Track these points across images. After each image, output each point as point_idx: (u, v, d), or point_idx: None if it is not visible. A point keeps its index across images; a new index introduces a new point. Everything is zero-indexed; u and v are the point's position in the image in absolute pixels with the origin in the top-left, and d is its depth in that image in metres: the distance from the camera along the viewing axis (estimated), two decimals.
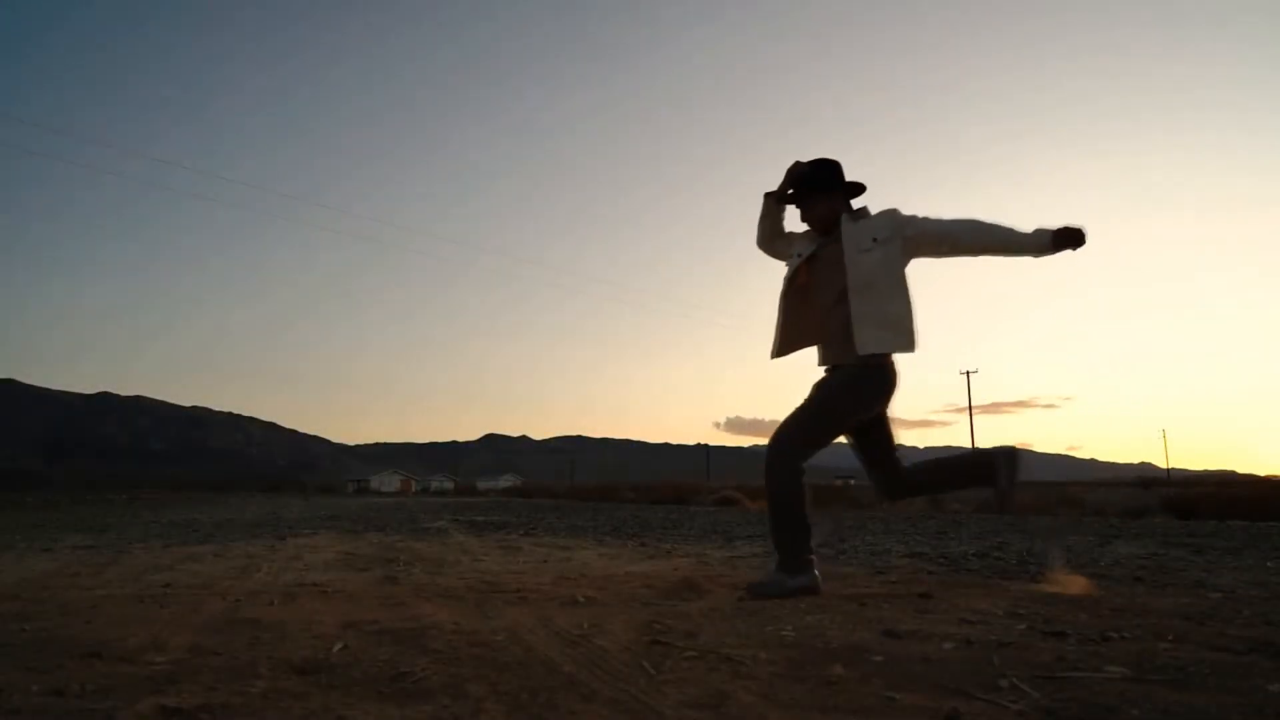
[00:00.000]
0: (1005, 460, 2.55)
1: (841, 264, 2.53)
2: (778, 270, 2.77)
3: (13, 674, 1.42)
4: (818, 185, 2.64)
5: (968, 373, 50.40)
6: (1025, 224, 2.46)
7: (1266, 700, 1.24)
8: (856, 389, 2.50)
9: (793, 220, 2.80)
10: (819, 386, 2.55)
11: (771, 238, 2.81)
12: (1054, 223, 2.42)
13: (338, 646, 1.62)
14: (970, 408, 50.11)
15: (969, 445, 50.59)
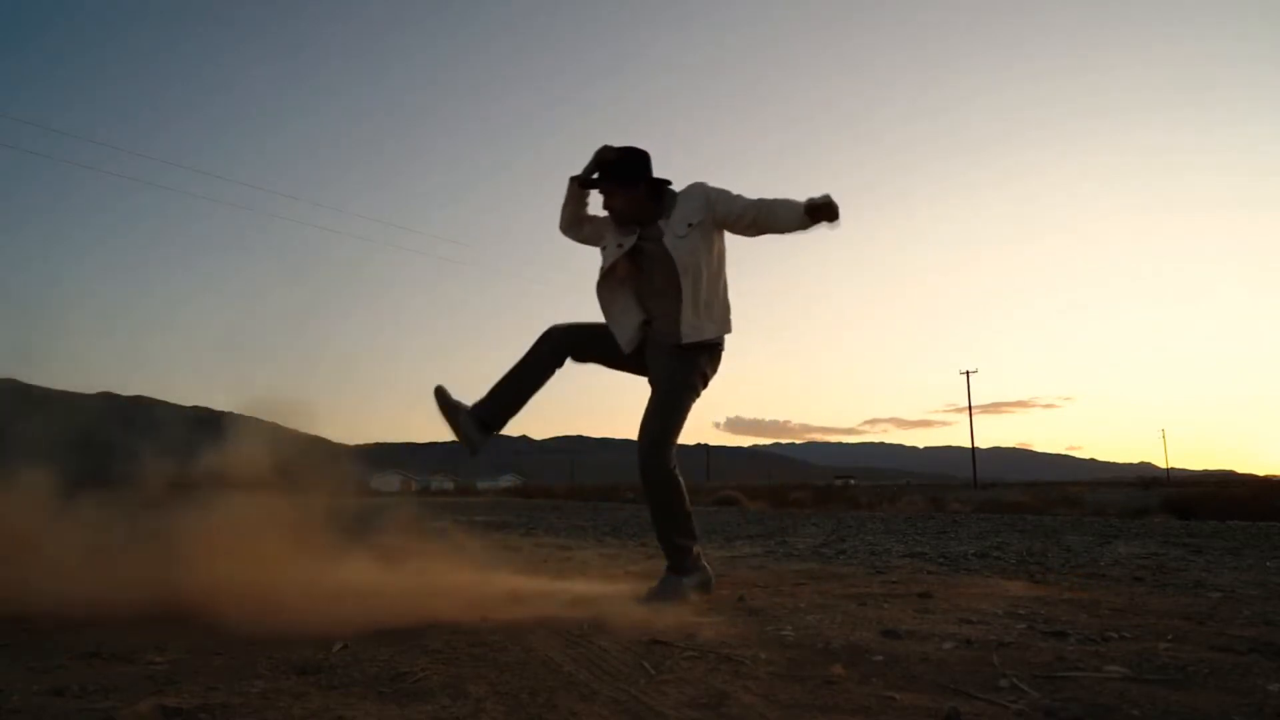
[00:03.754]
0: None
1: (665, 254, 2.50)
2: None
3: (13, 674, 1.42)
4: (618, 177, 2.57)
5: (968, 373, 50.47)
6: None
7: (1266, 700, 1.25)
8: (700, 371, 2.51)
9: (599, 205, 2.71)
10: (665, 375, 2.51)
11: (575, 223, 2.74)
12: (837, 199, 2.40)
13: (338, 646, 1.63)
14: (970, 408, 50.18)
15: (969, 445, 50.65)
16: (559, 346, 2.59)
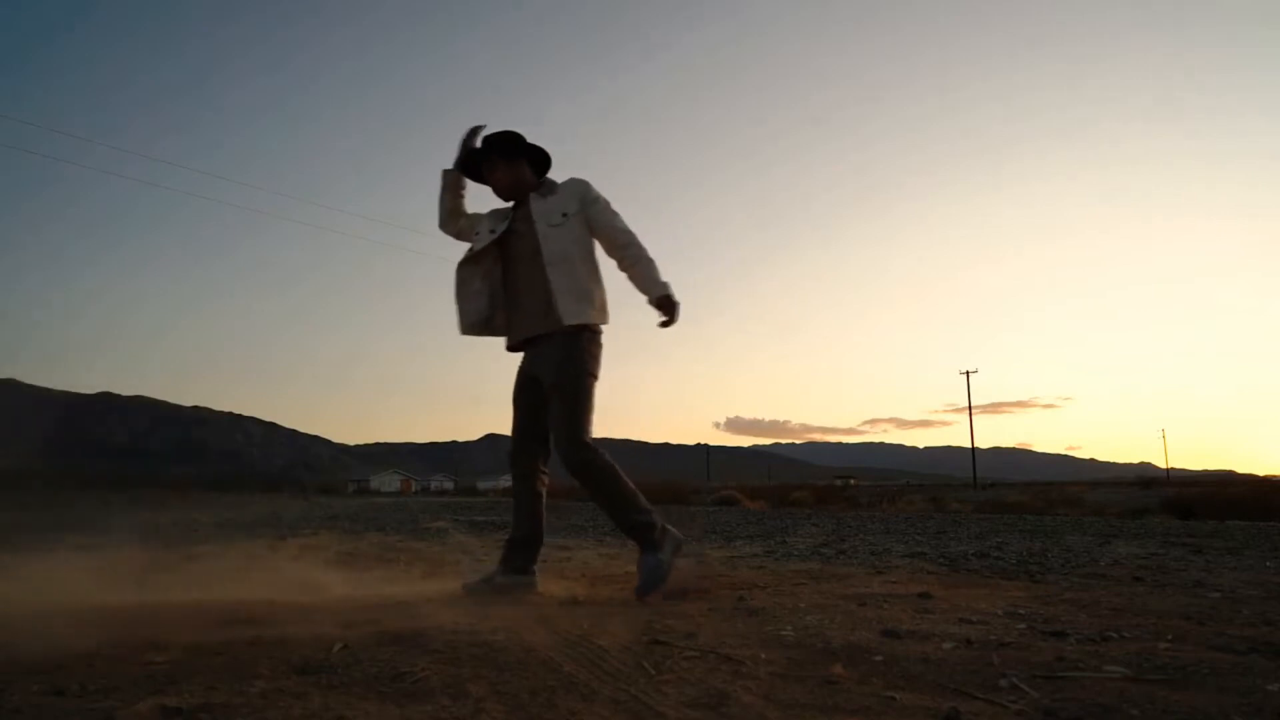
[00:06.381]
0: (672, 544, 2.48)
1: (535, 238, 2.51)
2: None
3: (13, 674, 1.42)
4: (500, 149, 2.58)
5: (968, 373, 50.50)
6: (666, 274, 2.52)
7: (1266, 700, 1.25)
8: (586, 353, 2.48)
9: (483, 202, 2.74)
10: (553, 369, 2.47)
11: (453, 215, 2.73)
12: (678, 289, 2.49)
13: (338, 646, 1.62)
14: (970, 408, 50.20)
15: (969, 445, 50.63)
16: (522, 456, 2.59)
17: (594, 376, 2.50)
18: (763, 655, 1.57)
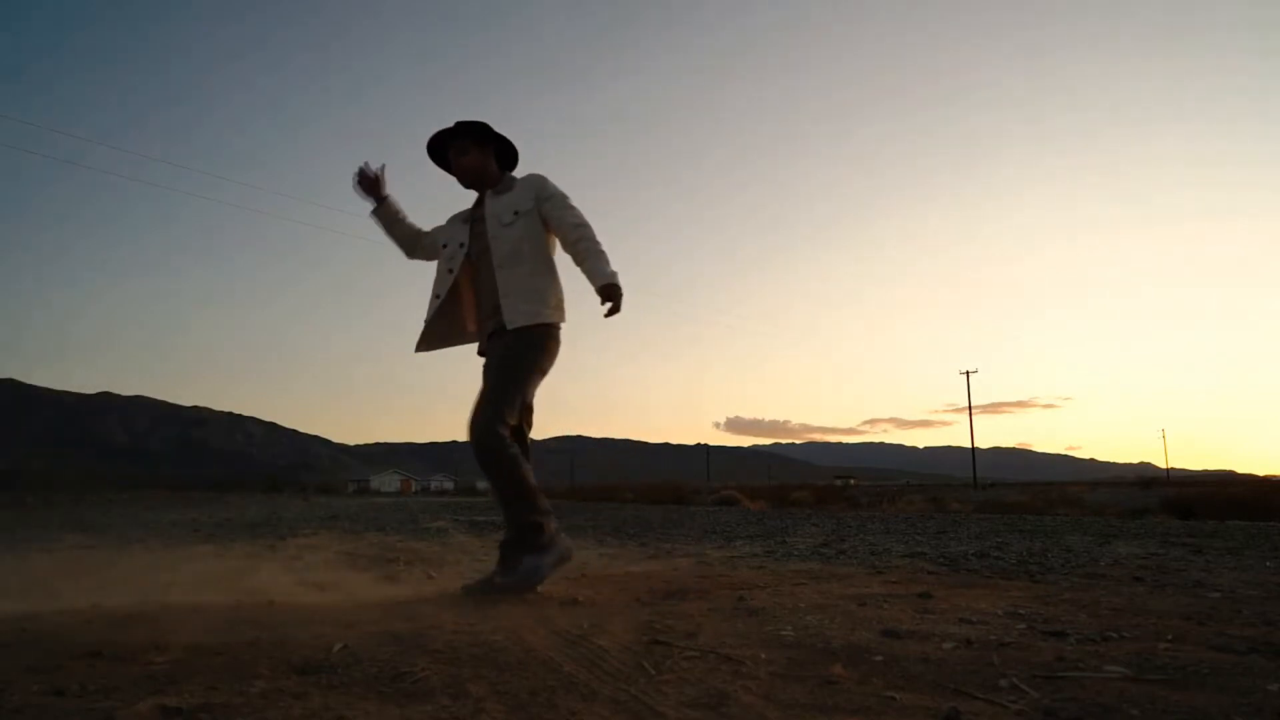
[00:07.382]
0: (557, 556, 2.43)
1: (487, 239, 2.52)
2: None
3: (13, 674, 1.42)
4: (474, 134, 2.58)
5: (968, 373, 50.48)
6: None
7: (1266, 700, 1.25)
8: (535, 346, 2.45)
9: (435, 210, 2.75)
10: (499, 357, 2.45)
11: (412, 241, 2.76)
12: (625, 276, 2.45)
13: (338, 646, 1.62)
14: (970, 408, 50.17)
15: (969, 445, 50.64)
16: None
17: (541, 371, 2.47)
18: (763, 655, 1.57)
